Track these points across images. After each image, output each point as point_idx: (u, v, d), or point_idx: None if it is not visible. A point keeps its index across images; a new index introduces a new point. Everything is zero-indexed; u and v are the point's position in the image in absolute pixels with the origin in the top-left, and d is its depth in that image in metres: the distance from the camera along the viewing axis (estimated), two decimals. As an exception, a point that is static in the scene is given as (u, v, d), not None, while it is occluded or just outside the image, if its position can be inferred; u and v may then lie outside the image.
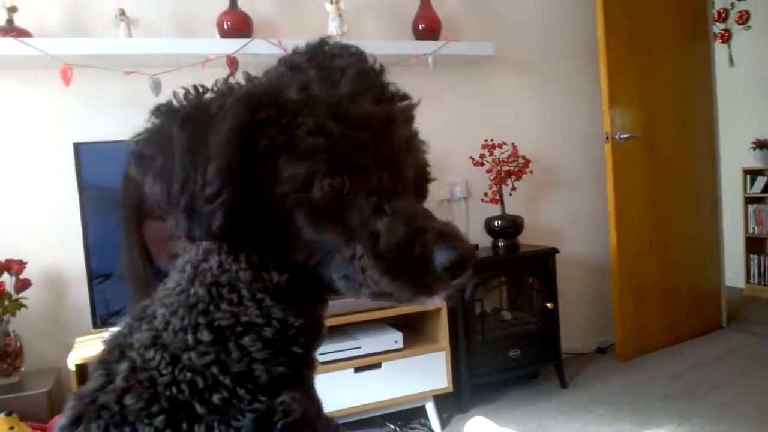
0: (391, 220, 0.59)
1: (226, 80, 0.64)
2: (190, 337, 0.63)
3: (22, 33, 2.26)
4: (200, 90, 0.63)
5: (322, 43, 0.65)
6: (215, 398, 0.62)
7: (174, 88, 0.63)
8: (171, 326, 0.64)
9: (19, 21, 2.29)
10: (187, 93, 0.63)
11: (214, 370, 0.62)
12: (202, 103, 0.61)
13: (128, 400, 0.61)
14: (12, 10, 2.28)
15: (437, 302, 0.62)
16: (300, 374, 0.68)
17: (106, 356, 0.67)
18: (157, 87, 2.38)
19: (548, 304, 2.81)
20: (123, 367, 0.64)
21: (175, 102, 0.62)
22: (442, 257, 0.56)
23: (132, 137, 0.62)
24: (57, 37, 2.35)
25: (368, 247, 0.58)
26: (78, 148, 2.16)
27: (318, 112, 0.59)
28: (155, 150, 0.59)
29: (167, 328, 0.65)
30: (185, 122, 0.59)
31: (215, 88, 0.63)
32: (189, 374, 0.62)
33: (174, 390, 0.62)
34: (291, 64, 0.65)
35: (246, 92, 0.61)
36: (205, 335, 0.63)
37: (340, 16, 2.65)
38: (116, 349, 0.67)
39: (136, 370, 0.63)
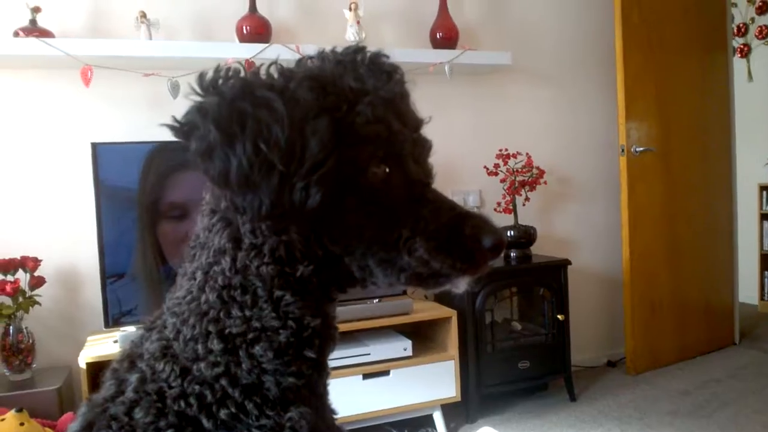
0: (436, 206, 0.65)
1: (278, 64, 0.64)
2: (200, 347, 0.63)
3: (44, 33, 2.29)
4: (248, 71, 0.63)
5: (362, 47, 0.69)
6: (223, 413, 0.62)
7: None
8: (181, 335, 0.65)
9: (42, 21, 2.32)
10: (241, 67, 0.63)
11: (224, 382, 0.63)
12: (270, 80, 0.62)
13: (137, 413, 0.62)
14: (36, 10, 2.31)
15: (465, 288, 0.66)
16: (311, 384, 0.68)
17: (117, 365, 0.68)
18: (175, 90, 2.40)
19: (559, 316, 2.80)
20: (133, 378, 0.65)
21: (249, 76, 0.62)
22: (488, 238, 0.63)
23: (197, 104, 0.59)
24: (78, 38, 2.38)
25: (418, 229, 0.63)
26: (96, 148, 2.18)
27: (377, 103, 0.63)
28: (244, 119, 0.56)
29: (178, 337, 0.65)
30: (283, 95, 0.58)
31: (270, 72, 0.63)
32: (198, 387, 0.62)
33: (182, 404, 0.62)
34: (336, 59, 0.67)
35: (310, 76, 0.62)
36: (215, 344, 0.63)
37: (358, 23, 2.66)
38: (127, 359, 0.67)
39: (146, 381, 0.64)
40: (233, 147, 0.56)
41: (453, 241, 0.63)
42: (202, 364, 0.63)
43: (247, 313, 0.64)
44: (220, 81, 0.60)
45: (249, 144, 0.56)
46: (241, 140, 0.56)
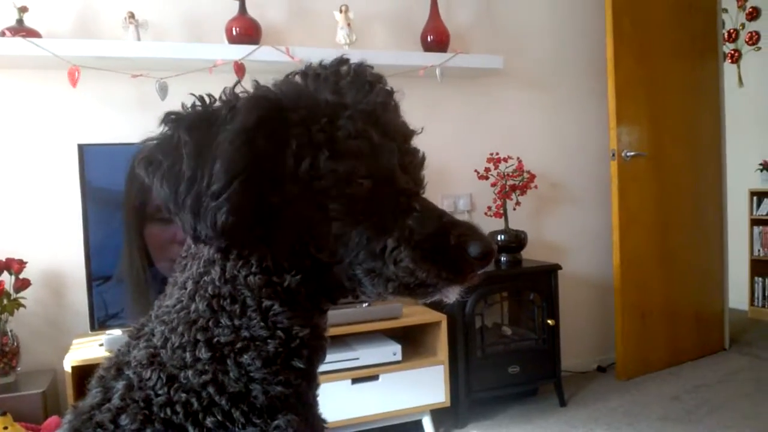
0: (422, 216, 0.64)
1: (232, 89, 0.66)
2: (188, 355, 0.63)
3: (31, 33, 2.27)
4: (207, 99, 0.66)
5: (344, 60, 0.69)
6: (209, 421, 0.62)
7: (181, 92, 0.67)
8: (170, 343, 0.65)
9: (29, 21, 2.30)
10: (194, 102, 0.65)
11: (211, 390, 0.63)
12: (209, 110, 0.64)
13: (123, 420, 0.62)
14: (23, 10, 2.29)
15: (455, 297, 0.67)
16: (300, 393, 0.68)
17: (104, 373, 0.68)
18: (163, 91, 2.39)
19: (549, 321, 2.79)
20: (120, 385, 0.65)
21: (183, 110, 0.65)
22: (475, 247, 0.62)
23: (141, 143, 0.64)
24: (66, 38, 2.36)
25: (403, 239, 0.63)
26: (82, 149, 2.16)
27: (357, 118, 0.63)
28: (163, 154, 0.61)
29: (166, 345, 0.65)
30: (192, 127, 0.61)
31: (223, 97, 0.66)
32: (184, 395, 0.62)
33: (169, 411, 0.62)
34: (315, 72, 0.68)
35: (255, 96, 0.64)
36: (203, 353, 0.63)
37: (348, 25, 2.65)
38: (114, 367, 0.67)
39: (132, 388, 0.64)
40: (154, 185, 0.61)
41: (439, 250, 0.62)
42: (190, 372, 0.63)
43: (236, 322, 0.64)
44: (172, 118, 0.64)
45: (158, 183, 0.61)
46: (156, 180, 0.61)
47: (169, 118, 0.63)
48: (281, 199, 0.62)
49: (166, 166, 0.60)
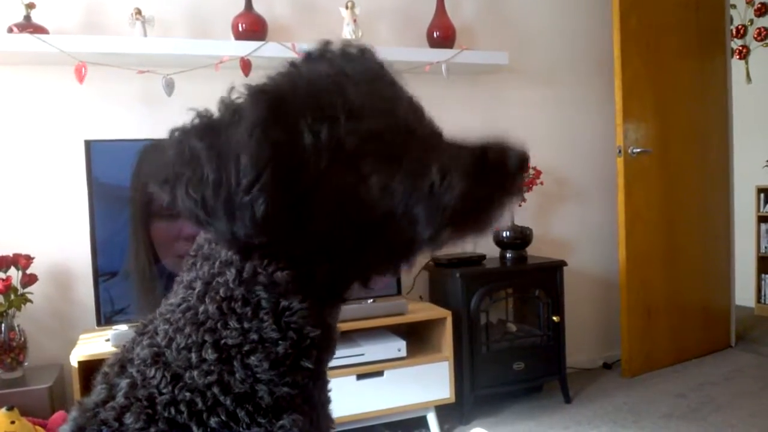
0: (455, 146, 0.66)
1: (229, 95, 0.65)
2: (193, 356, 0.63)
3: (38, 29, 2.28)
4: (206, 112, 0.65)
5: (329, 41, 0.70)
6: (213, 421, 0.62)
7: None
8: (175, 343, 0.65)
9: (37, 17, 2.31)
10: (194, 115, 0.64)
11: (216, 390, 0.62)
12: (212, 119, 0.63)
13: (127, 419, 0.62)
14: (30, 6, 2.29)
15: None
16: (307, 392, 0.68)
17: (108, 369, 0.68)
18: (170, 87, 2.39)
19: (554, 318, 2.79)
20: (123, 383, 0.65)
21: (187, 123, 0.64)
22: (513, 159, 0.63)
23: (150, 168, 0.65)
24: (73, 35, 2.36)
25: (448, 169, 0.63)
26: (89, 145, 2.17)
27: (362, 81, 0.65)
28: (180, 167, 0.59)
29: (171, 345, 0.65)
30: (203, 134, 0.60)
31: (221, 106, 0.64)
32: (189, 394, 0.62)
33: (172, 411, 0.62)
34: (307, 58, 0.69)
35: (255, 92, 0.63)
36: (210, 354, 0.63)
37: (354, 21, 2.65)
38: (118, 363, 0.67)
39: (137, 387, 0.64)
40: (177, 200, 0.59)
41: (484, 169, 0.63)
42: (195, 372, 0.63)
43: (246, 325, 0.64)
44: (178, 132, 0.62)
45: (182, 196, 0.59)
46: (180, 193, 0.59)
47: (175, 133, 0.62)
48: (312, 178, 0.61)
49: (187, 177, 0.58)
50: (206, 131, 0.60)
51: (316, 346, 0.67)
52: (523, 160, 0.64)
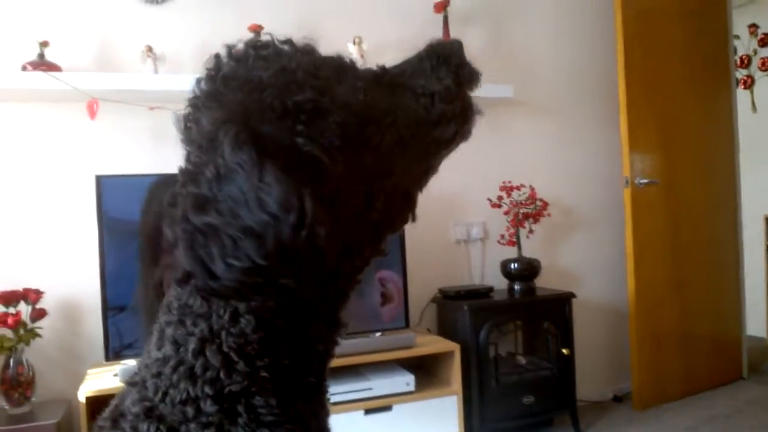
0: (410, 69, 0.74)
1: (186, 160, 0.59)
2: (190, 409, 0.61)
3: (52, 67, 2.32)
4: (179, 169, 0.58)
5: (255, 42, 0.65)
6: None
7: None
8: (169, 398, 0.62)
9: (50, 55, 2.35)
10: (179, 171, 0.57)
11: None
12: (197, 164, 0.55)
13: None
14: (44, 44, 2.34)
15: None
16: (305, 425, 0.66)
17: (102, 423, 0.66)
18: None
19: (564, 350, 2.76)
20: None
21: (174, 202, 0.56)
22: (449, 43, 0.74)
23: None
24: (85, 72, 2.40)
25: (425, 99, 0.69)
26: (100, 180, 2.19)
27: (301, 67, 0.61)
28: (198, 253, 0.52)
29: (165, 399, 0.62)
30: (198, 205, 0.52)
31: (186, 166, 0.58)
32: None
33: None
34: (226, 73, 0.62)
35: (211, 130, 0.55)
36: (209, 405, 0.60)
37: (362, 56, 2.69)
38: (110, 418, 0.66)
39: None
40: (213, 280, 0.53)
41: (441, 65, 0.72)
42: (192, 425, 0.61)
43: (258, 363, 0.61)
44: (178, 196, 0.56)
45: (222, 264, 0.52)
46: (216, 266, 0.52)
47: (171, 222, 0.54)
48: (337, 180, 0.57)
49: (218, 253, 0.51)
50: (198, 177, 0.53)
51: (324, 371, 0.67)
52: (455, 42, 0.73)
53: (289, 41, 0.64)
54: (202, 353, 0.61)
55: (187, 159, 0.57)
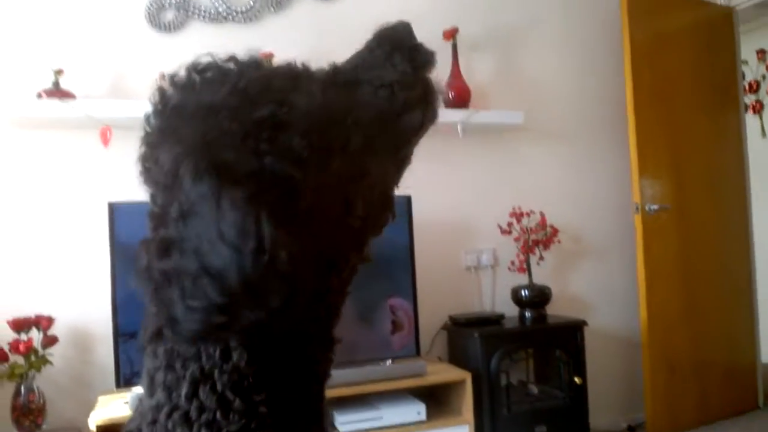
0: (361, 62, 0.68)
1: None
2: None
3: (66, 95, 2.35)
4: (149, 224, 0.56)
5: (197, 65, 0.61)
6: None
7: None
8: None
9: (65, 83, 2.38)
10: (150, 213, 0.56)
11: None
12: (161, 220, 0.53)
13: None
14: (58, 73, 2.37)
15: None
16: None
17: None
18: (192, 149, 2.43)
19: (576, 379, 2.73)
20: None
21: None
22: (394, 27, 0.69)
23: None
24: (99, 99, 2.43)
25: (384, 84, 0.65)
26: (113, 207, 2.20)
27: (251, 84, 0.58)
28: (162, 294, 0.50)
29: None
30: (163, 249, 0.50)
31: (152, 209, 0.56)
32: None
33: None
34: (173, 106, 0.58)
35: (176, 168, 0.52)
36: None
37: (372, 84, 2.70)
38: None
39: None
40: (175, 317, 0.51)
41: (393, 49, 0.67)
42: None
43: (256, 398, 0.59)
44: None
45: (182, 308, 0.50)
46: (176, 309, 0.50)
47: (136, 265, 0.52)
48: (310, 198, 0.55)
49: (179, 293, 0.49)
50: (166, 244, 0.50)
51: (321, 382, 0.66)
52: (403, 24, 0.69)
53: (233, 58, 0.60)
54: (196, 396, 0.59)
55: (153, 201, 0.55)
